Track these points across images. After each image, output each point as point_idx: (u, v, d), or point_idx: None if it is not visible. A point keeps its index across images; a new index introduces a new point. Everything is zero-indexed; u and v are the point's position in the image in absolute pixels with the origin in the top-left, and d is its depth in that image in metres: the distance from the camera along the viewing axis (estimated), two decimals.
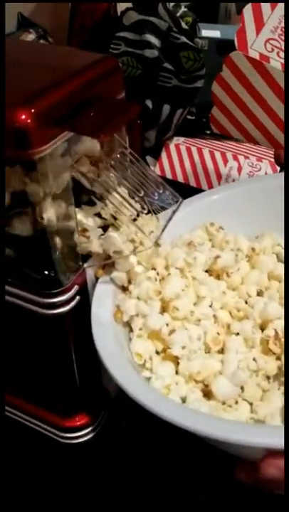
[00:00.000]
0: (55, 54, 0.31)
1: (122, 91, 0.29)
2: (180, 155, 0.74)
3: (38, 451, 0.41)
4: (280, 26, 0.36)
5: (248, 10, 0.36)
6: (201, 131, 0.81)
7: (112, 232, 0.29)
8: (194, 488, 0.39)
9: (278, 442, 0.23)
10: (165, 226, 0.30)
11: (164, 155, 0.74)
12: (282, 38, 0.36)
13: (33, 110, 0.23)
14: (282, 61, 0.36)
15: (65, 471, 0.40)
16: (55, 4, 0.80)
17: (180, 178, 0.73)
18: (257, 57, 0.36)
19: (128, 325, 0.34)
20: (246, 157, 0.73)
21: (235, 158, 0.73)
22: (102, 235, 0.30)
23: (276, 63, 0.36)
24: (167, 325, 0.33)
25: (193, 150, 0.74)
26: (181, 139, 0.77)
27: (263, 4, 0.36)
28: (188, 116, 0.82)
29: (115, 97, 0.29)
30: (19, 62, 0.28)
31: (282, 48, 0.35)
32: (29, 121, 0.23)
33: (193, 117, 0.85)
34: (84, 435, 0.40)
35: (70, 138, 0.26)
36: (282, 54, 0.36)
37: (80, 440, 0.40)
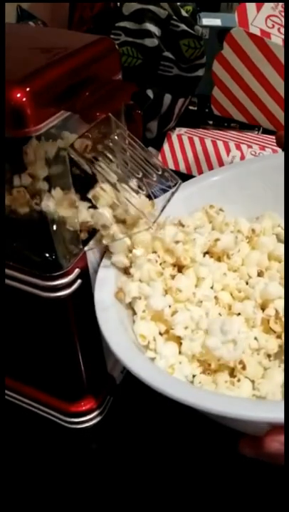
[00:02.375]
0: (52, 36, 0.31)
1: (119, 72, 0.29)
2: (182, 145, 0.74)
3: (43, 437, 0.42)
4: (279, 3, 0.35)
5: None
6: (204, 121, 0.80)
7: (101, 206, 0.29)
8: (198, 469, 0.39)
9: (280, 416, 0.23)
10: (164, 207, 0.30)
11: (166, 146, 0.74)
12: (283, 14, 0.35)
13: (28, 89, 0.23)
14: (283, 37, 0.35)
15: (70, 456, 0.41)
16: None
17: (182, 169, 0.73)
18: (258, 33, 0.36)
19: (131, 308, 0.34)
20: (249, 146, 0.72)
21: (238, 147, 0.72)
22: (90, 207, 0.30)
23: (277, 39, 0.36)
24: (170, 306, 0.33)
25: (196, 140, 0.73)
26: (184, 130, 0.76)
27: None
28: (191, 107, 0.82)
29: (111, 78, 0.29)
30: (15, 43, 0.28)
31: (283, 24, 0.35)
32: (25, 99, 0.23)
33: (196, 108, 0.85)
34: (89, 420, 0.40)
35: (67, 117, 0.26)
36: (282, 30, 0.35)
37: (86, 425, 0.40)
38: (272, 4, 0.35)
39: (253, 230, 0.39)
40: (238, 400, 0.27)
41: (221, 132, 0.76)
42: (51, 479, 0.39)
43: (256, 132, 0.71)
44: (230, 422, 0.27)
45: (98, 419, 0.41)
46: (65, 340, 0.35)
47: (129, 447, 0.41)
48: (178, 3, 0.73)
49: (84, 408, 0.40)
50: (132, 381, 0.44)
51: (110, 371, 0.43)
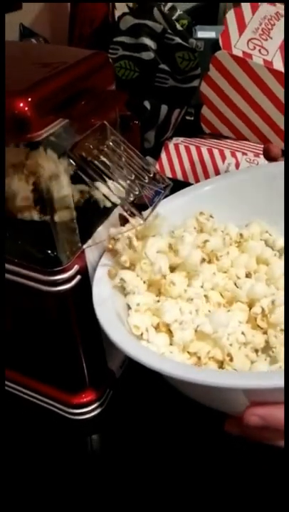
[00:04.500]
0: (51, 51, 0.34)
1: (112, 83, 0.32)
2: (179, 154, 0.76)
3: (45, 428, 0.44)
4: (260, 27, 0.38)
5: (230, 14, 0.39)
6: (200, 131, 0.83)
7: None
8: (193, 458, 0.41)
9: (256, 383, 0.25)
10: (155, 206, 0.32)
11: (163, 155, 0.77)
12: (263, 37, 0.38)
13: (30, 99, 0.26)
14: (264, 57, 0.38)
15: (71, 445, 0.43)
16: (55, 14, 0.83)
17: (179, 176, 0.75)
18: (240, 54, 0.38)
19: (127, 304, 0.36)
20: (244, 153, 0.75)
21: (233, 154, 0.75)
22: None
23: (258, 59, 0.38)
24: (158, 301, 0.36)
25: (192, 149, 0.76)
26: (180, 139, 0.79)
27: (244, 8, 0.39)
28: (187, 117, 0.85)
29: (105, 88, 0.32)
30: (18, 58, 0.31)
31: (263, 45, 0.38)
32: (27, 108, 0.25)
33: (192, 118, 0.87)
34: (90, 411, 0.42)
35: (65, 124, 0.28)
36: (263, 51, 0.38)
37: (87, 416, 0.42)
38: (253, 28, 0.38)
39: (241, 235, 0.41)
40: (217, 371, 0.30)
41: (217, 141, 0.79)
42: (52, 467, 0.41)
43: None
44: (215, 403, 0.30)
45: (98, 410, 0.43)
46: (66, 333, 0.37)
47: (128, 438, 0.43)
48: (173, 18, 0.77)
49: (85, 400, 0.42)
50: (130, 376, 0.46)
51: (110, 366, 0.45)
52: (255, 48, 0.38)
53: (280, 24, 0.39)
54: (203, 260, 0.38)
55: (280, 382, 0.23)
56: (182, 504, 0.38)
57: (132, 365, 0.46)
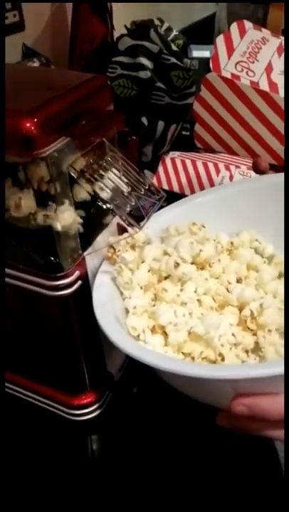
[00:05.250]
0: (54, 75, 0.37)
1: (111, 103, 0.35)
2: (175, 167, 0.79)
3: (46, 429, 0.45)
4: (247, 51, 0.42)
5: (220, 38, 0.42)
6: (196, 146, 0.86)
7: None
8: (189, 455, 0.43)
9: (242, 373, 0.27)
10: (149, 216, 0.35)
11: (160, 168, 0.79)
12: (250, 60, 0.41)
13: (36, 119, 0.28)
14: (251, 79, 0.41)
15: (72, 445, 0.45)
16: (56, 34, 0.87)
17: (176, 189, 0.78)
18: (229, 76, 0.41)
19: (125, 308, 0.39)
20: (237, 166, 0.78)
21: (227, 168, 0.78)
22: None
23: (246, 80, 0.41)
24: (154, 305, 0.38)
25: (188, 162, 0.79)
26: (177, 153, 0.82)
27: (233, 33, 0.42)
28: (184, 132, 0.88)
29: (104, 109, 0.34)
30: (23, 82, 0.34)
31: (250, 67, 0.41)
32: (33, 128, 0.28)
33: (188, 133, 0.91)
34: (90, 412, 0.44)
35: (68, 142, 0.31)
36: (250, 73, 0.41)
37: (87, 417, 0.44)
38: (241, 52, 0.41)
39: (232, 243, 0.44)
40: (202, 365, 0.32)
41: (212, 155, 0.82)
42: (54, 466, 0.43)
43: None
44: (206, 397, 0.32)
45: (98, 412, 0.45)
46: (67, 336, 0.39)
47: (126, 438, 0.45)
48: (169, 38, 0.81)
49: (85, 401, 0.44)
50: (129, 379, 0.48)
51: (109, 369, 0.47)
52: (242, 70, 0.41)
53: (266, 48, 0.42)
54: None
55: (263, 372, 0.26)
56: (180, 502, 0.40)
57: (130, 369, 0.48)
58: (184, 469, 0.42)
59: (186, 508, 0.40)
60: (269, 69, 0.41)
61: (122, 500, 0.41)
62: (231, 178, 0.76)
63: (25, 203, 0.33)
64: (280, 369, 0.25)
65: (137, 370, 0.48)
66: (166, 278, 0.40)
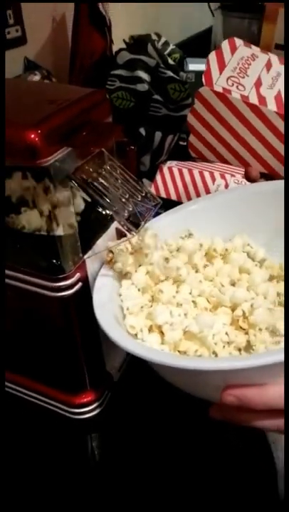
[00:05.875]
0: (56, 89, 0.39)
1: (109, 116, 0.37)
2: (173, 176, 0.82)
3: (47, 428, 0.47)
4: (238, 67, 0.44)
5: (212, 55, 0.45)
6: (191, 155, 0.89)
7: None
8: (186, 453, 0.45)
9: (228, 364, 0.29)
10: (146, 221, 0.37)
11: (158, 177, 0.82)
12: (240, 75, 0.44)
13: (39, 131, 0.31)
14: (241, 93, 0.44)
15: (72, 442, 0.46)
16: (57, 48, 0.90)
17: (173, 197, 0.80)
18: (221, 90, 0.44)
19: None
20: (232, 175, 0.80)
21: (223, 176, 0.80)
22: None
23: (236, 94, 0.44)
24: (151, 306, 0.40)
25: (185, 171, 0.82)
26: (174, 163, 0.85)
27: (224, 50, 0.45)
28: (181, 143, 0.91)
29: (103, 121, 0.37)
30: (27, 96, 0.36)
31: (240, 82, 0.44)
32: (37, 139, 0.30)
33: (185, 143, 0.93)
34: (90, 411, 0.46)
35: (69, 152, 0.33)
36: (240, 87, 0.44)
37: (87, 415, 0.46)
38: (232, 67, 0.43)
39: (226, 250, 0.46)
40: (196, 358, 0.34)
41: (208, 164, 0.84)
42: (55, 463, 0.45)
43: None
44: (198, 390, 0.34)
45: (98, 410, 0.46)
46: (68, 336, 0.41)
47: (125, 435, 0.47)
48: (166, 52, 0.84)
49: (85, 400, 0.46)
50: (127, 379, 0.50)
51: (108, 369, 0.48)
52: (233, 84, 0.43)
53: (255, 64, 0.44)
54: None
55: (247, 363, 0.28)
56: (178, 499, 0.42)
57: (129, 370, 0.50)
58: (181, 466, 0.44)
59: (184, 504, 0.41)
60: (258, 83, 0.44)
61: (121, 497, 0.42)
62: (226, 186, 0.79)
63: (33, 220, 0.35)
64: (264, 360, 0.27)
65: (136, 371, 0.50)
66: (162, 281, 0.43)
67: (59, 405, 0.46)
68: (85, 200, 0.38)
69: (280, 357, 0.27)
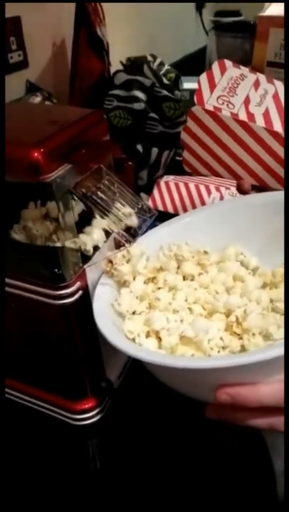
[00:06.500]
0: (57, 111, 0.42)
1: (107, 135, 0.40)
2: (169, 190, 0.84)
3: (49, 434, 0.48)
4: (227, 86, 0.47)
5: (203, 76, 0.48)
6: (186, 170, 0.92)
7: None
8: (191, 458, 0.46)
9: (226, 362, 0.30)
10: (143, 230, 0.39)
11: (155, 191, 0.85)
12: (230, 94, 0.47)
13: (42, 150, 0.33)
14: (231, 110, 0.46)
15: (73, 449, 0.48)
16: (57, 71, 0.94)
17: (170, 209, 0.83)
18: (212, 109, 0.47)
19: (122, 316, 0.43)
20: (227, 188, 0.83)
21: (218, 189, 0.83)
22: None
23: (226, 112, 0.47)
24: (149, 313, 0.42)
25: (181, 185, 0.84)
26: (171, 177, 0.87)
27: (214, 71, 0.48)
28: (177, 158, 0.94)
29: (101, 139, 0.39)
30: (31, 117, 0.39)
31: (230, 101, 0.46)
32: (40, 157, 0.33)
33: (182, 158, 0.96)
34: (91, 417, 0.47)
35: (70, 168, 0.36)
36: (230, 105, 0.46)
37: (88, 422, 0.47)
38: (222, 87, 0.46)
39: (222, 257, 0.48)
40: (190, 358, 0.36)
41: (203, 178, 0.87)
42: (57, 468, 0.46)
43: None
44: (195, 392, 0.35)
45: (99, 417, 0.48)
46: (69, 343, 0.43)
47: (125, 441, 0.48)
48: (161, 72, 0.87)
49: (86, 406, 0.47)
50: (127, 386, 0.52)
51: (109, 376, 0.50)
52: (223, 103, 0.46)
53: (244, 83, 0.47)
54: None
55: (242, 360, 0.29)
56: (177, 500, 0.43)
57: (129, 377, 0.52)
58: (179, 468, 0.45)
59: (182, 504, 0.43)
60: (247, 101, 0.46)
61: (121, 501, 0.43)
62: (221, 198, 0.81)
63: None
64: (253, 358, 0.29)
65: (135, 379, 0.51)
66: (159, 289, 0.45)
67: (60, 411, 0.48)
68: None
69: (271, 354, 0.29)
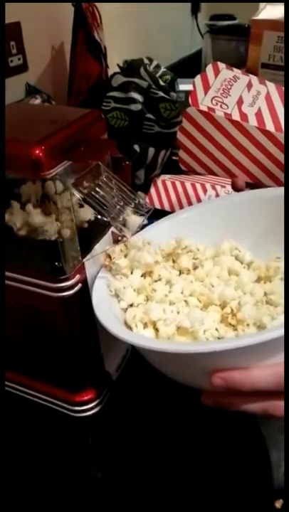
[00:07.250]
0: (56, 111, 0.43)
1: (105, 133, 0.41)
2: (166, 189, 0.86)
3: (49, 426, 0.49)
4: (221, 87, 0.49)
5: (197, 78, 0.50)
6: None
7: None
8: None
9: (217, 346, 0.31)
10: (139, 226, 0.41)
11: (152, 190, 0.86)
12: (224, 95, 0.48)
13: (43, 147, 0.35)
14: (224, 111, 0.48)
15: (72, 439, 0.49)
16: (56, 74, 0.95)
17: (167, 208, 0.84)
18: (206, 109, 0.48)
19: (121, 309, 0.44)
20: (223, 186, 0.84)
21: (214, 187, 0.84)
22: None
23: (220, 113, 0.48)
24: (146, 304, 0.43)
25: (177, 184, 0.86)
26: (167, 176, 0.89)
27: (208, 73, 0.50)
28: (173, 157, 0.95)
29: (99, 137, 0.41)
30: (32, 117, 0.41)
31: (224, 101, 0.48)
32: (41, 154, 0.34)
33: (178, 158, 0.98)
34: (90, 409, 0.48)
35: (69, 165, 0.37)
36: (224, 106, 0.48)
37: (87, 413, 0.49)
38: (215, 88, 0.48)
39: (217, 252, 0.50)
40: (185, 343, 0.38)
41: (199, 176, 0.88)
42: (56, 460, 0.47)
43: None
44: (191, 379, 0.37)
45: (98, 408, 0.49)
46: (69, 335, 0.44)
47: (123, 432, 0.49)
48: (158, 74, 0.89)
49: (86, 398, 0.48)
50: (125, 379, 0.53)
51: (107, 369, 0.51)
52: (217, 103, 0.47)
53: (237, 85, 0.49)
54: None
55: (232, 344, 0.31)
56: (176, 494, 0.44)
57: (127, 369, 0.53)
58: (177, 459, 0.46)
59: (179, 494, 0.44)
60: (240, 102, 0.48)
61: (120, 494, 0.44)
62: (217, 196, 0.83)
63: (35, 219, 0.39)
64: (243, 342, 0.30)
65: (134, 371, 0.53)
66: (156, 281, 0.46)
67: (60, 403, 0.49)
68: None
69: (260, 338, 0.30)
